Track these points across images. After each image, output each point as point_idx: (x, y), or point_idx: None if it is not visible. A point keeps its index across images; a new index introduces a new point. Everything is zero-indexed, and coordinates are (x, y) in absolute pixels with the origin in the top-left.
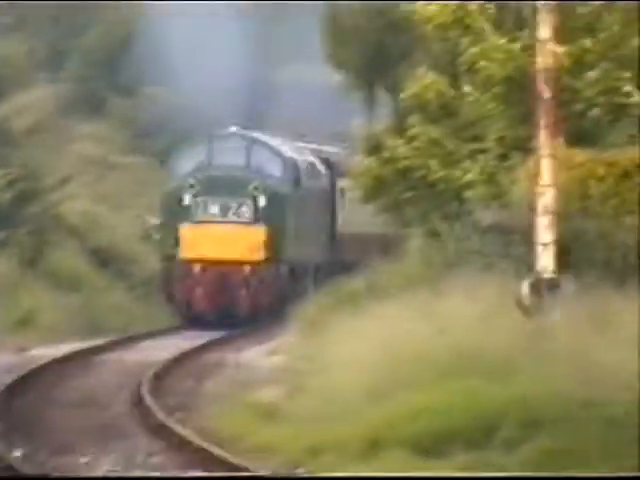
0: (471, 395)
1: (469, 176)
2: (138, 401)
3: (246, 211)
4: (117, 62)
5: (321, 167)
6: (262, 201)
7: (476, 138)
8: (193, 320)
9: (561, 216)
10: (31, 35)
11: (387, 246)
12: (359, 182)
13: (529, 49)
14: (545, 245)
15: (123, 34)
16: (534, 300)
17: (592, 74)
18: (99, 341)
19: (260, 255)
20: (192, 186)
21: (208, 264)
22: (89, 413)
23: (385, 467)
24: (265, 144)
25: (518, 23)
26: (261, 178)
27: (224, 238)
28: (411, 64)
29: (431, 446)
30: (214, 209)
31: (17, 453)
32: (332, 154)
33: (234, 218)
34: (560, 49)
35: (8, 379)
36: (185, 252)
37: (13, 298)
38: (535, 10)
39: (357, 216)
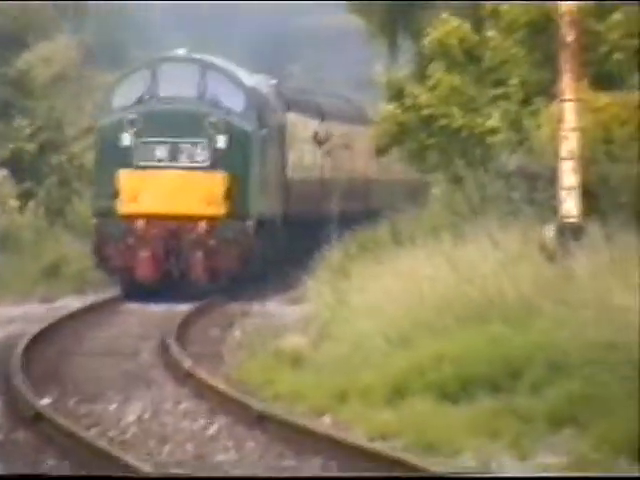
0: (496, 340)
1: (491, 122)
2: (165, 349)
3: (201, 154)
4: (141, 15)
5: (277, 100)
6: (221, 141)
7: (499, 83)
8: (134, 290)
9: (585, 160)
10: None
11: (346, 195)
12: (381, 128)
13: None
14: (569, 190)
15: None
16: (558, 245)
17: (616, 17)
18: None
19: (219, 209)
20: (133, 122)
21: (154, 220)
22: (116, 362)
23: (410, 412)
24: (222, 70)
25: None
26: (219, 112)
27: (174, 187)
28: (434, 10)
29: (456, 391)
30: (161, 152)
31: (46, 400)
32: (274, 84)
33: (186, 162)
34: None
35: (35, 329)
36: (125, 205)
37: (39, 248)
38: None
39: (306, 159)
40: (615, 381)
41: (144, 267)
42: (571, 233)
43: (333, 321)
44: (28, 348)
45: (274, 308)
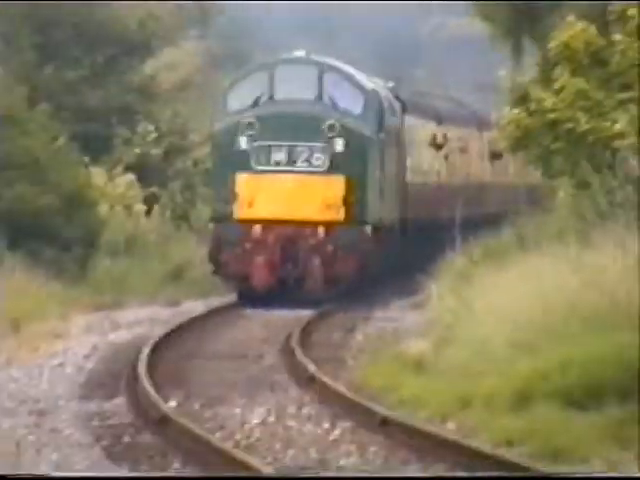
0: (623, 347)
1: (618, 126)
2: (289, 353)
3: (319, 157)
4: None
5: (395, 103)
6: (339, 145)
7: (626, 87)
8: (251, 296)
9: None
10: None
11: (464, 200)
12: (506, 132)
13: None
14: None
15: None
16: None
17: None
18: None
19: (337, 214)
20: (250, 126)
21: (270, 225)
22: (240, 365)
23: (536, 418)
24: (341, 72)
25: None
26: (338, 115)
27: (292, 192)
28: (560, 13)
29: (583, 399)
30: (279, 155)
31: (172, 403)
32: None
33: (304, 166)
34: None
35: (161, 331)
36: (242, 210)
37: (164, 252)
38: None
39: (424, 163)
40: None
41: (260, 273)
42: None
43: (456, 326)
44: (154, 351)
45: (396, 313)
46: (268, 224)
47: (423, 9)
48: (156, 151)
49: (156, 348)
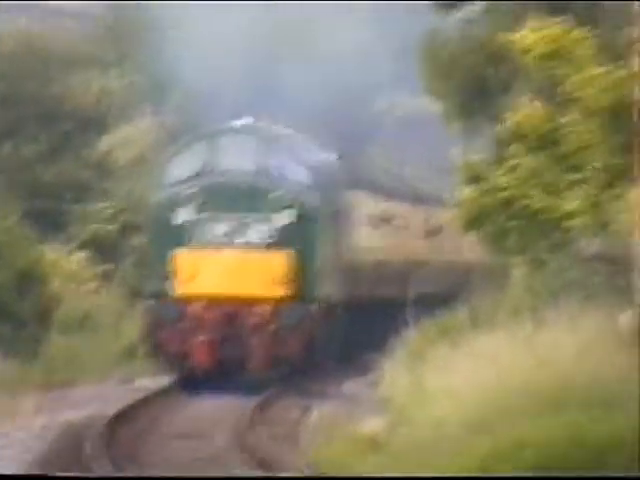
0: (577, 427)
1: (570, 206)
2: (242, 433)
3: (264, 231)
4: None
5: (340, 176)
6: (285, 218)
7: (577, 167)
8: (190, 378)
9: None
10: (133, 69)
11: (405, 278)
12: (460, 211)
13: (630, 78)
14: None
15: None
16: (638, 331)
17: None
18: None
19: (282, 290)
20: (191, 198)
21: (212, 302)
22: (193, 445)
23: None
24: (287, 141)
25: (618, 52)
26: (283, 187)
27: (234, 267)
28: (512, 94)
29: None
30: (221, 229)
31: None
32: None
33: (248, 241)
34: None
35: (114, 410)
36: (180, 286)
37: (119, 329)
38: (635, 39)
39: (368, 239)
40: None
41: (200, 353)
42: None
43: (410, 405)
44: (105, 430)
45: (351, 390)
46: (209, 301)
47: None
48: (111, 227)
49: (108, 428)
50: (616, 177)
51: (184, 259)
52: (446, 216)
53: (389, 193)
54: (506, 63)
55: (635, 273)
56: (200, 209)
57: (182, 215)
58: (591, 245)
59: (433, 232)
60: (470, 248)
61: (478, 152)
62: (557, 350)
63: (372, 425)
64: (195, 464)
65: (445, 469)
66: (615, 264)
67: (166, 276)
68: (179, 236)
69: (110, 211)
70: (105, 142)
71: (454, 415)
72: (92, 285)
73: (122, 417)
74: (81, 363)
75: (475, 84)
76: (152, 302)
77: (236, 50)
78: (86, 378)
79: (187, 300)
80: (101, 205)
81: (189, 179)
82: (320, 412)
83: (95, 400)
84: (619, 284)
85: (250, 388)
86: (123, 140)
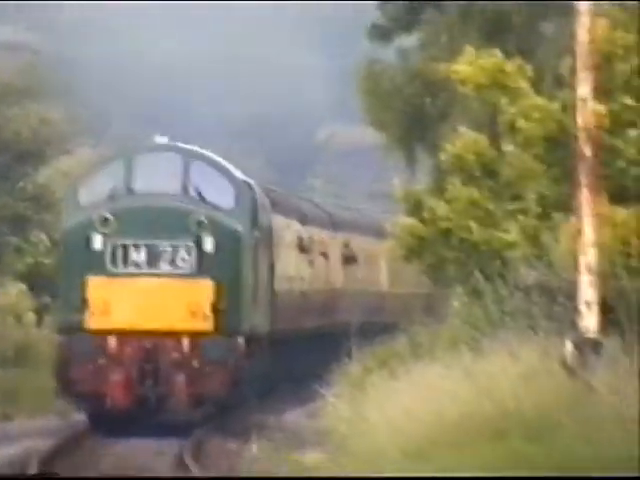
0: (514, 456)
1: (509, 236)
2: (182, 468)
3: (185, 258)
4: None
5: (265, 199)
6: (208, 243)
7: (516, 198)
8: (105, 420)
9: (604, 275)
10: (75, 101)
11: (336, 311)
12: (400, 241)
13: (569, 108)
14: (588, 304)
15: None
16: (577, 360)
17: (633, 132)
18: None
19: (206, 323)
20: (105, 222)
21: (128, 337)
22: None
23: None
24: (209, 161)
25: (556, 82)
26: (206, 210)
27: (152, 298)
28: (450, 124)
29: None
30: (138, 256)
31: None
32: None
33: (167, 269)
34: (600, 108)
35: (51, 444)
36: (94, 319)
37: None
38: (574, 69)
39: (291, 267)
40: None
41: (115, 392)
42: (590, 348)
43: (351, 435)
44: (41, 466)
45: (291, 422)
46: (125, 335)
47: (316, 117)
48: (48, 260)
49: (44, 463)
50: (553, 207)
51: (98, 289)
52: (384, 246)
53: (311, 218)
54: (444, 92)
55: (573, 302)
56: (115, 234)
57: (96, 241)
58: (530, 275)
59: (350, 259)
60: (386, 277)
61: (419, 182)
62: (496, 380)
63: (313, 456)
64: None
65: None
66: (553, 294)
67: (79, 308)
68: (93, 263)
69: (47, 244)
70: (43, 174)
71: (393, 445)
72: (29, 318)
73: (58, 453)
74: (17, 397)
75: (414, 113)
76: (64, 336)
77: (174, 85)
78: (23, 412)
79: (102, 334)
80: (38, 238)
81: (104, 201)
82: (259, 443)
83: (32, 435)
84: (558, 314)
85: (172, 429)
86: (62, 172)
